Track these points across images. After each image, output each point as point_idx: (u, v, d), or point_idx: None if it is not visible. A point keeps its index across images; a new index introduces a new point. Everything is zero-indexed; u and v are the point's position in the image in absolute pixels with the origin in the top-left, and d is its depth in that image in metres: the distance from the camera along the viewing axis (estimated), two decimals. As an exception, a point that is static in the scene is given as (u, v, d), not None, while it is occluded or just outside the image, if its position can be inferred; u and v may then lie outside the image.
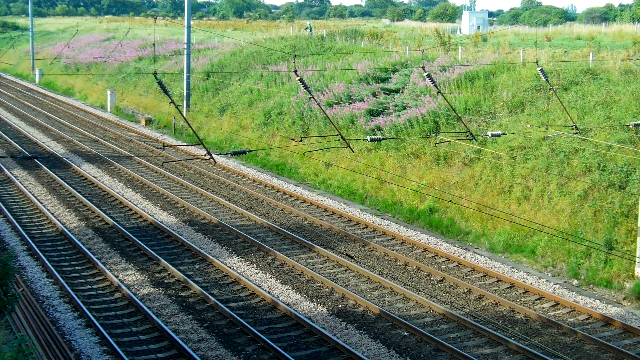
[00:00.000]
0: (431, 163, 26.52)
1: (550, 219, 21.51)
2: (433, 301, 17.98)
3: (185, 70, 43.29)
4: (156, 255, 20.87)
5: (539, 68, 18.89)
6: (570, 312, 17.78)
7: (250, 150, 16.09)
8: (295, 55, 33.46)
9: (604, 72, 26.90)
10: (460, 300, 18.33)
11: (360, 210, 26.11)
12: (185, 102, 42.63)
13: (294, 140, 19.99)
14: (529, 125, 25.04)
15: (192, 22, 46.72)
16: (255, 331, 15.98)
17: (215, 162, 15.48)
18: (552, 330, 16.63)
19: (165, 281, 19.31)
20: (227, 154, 14.28)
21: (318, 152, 29.55)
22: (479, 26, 62.56)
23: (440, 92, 19.22)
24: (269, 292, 18.58)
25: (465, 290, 18.93)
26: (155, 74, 13.61)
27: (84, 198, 27.08)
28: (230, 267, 20.27)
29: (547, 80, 19.19)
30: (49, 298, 17.98)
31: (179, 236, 22.77)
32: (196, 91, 44.17)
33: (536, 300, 18.45)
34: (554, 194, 22.04)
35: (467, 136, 18.48)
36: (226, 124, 38.53)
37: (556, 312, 17.77)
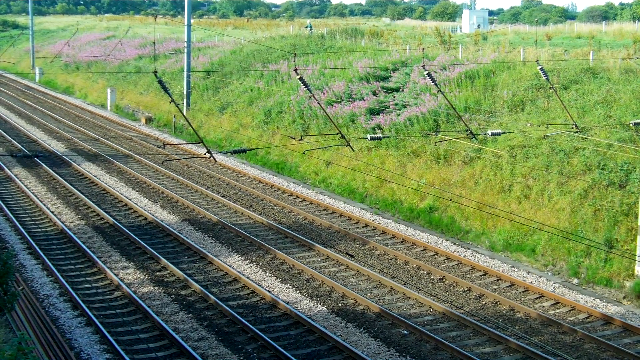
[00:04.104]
0: (431, 162, 26.51)
1: (550, 218, 21.51)
2: (433, 300, 17.98)
3: (185, 69, 43.28)
4: (156, 253, 20.87)
5: (539, 67, 18.86)
6: (570, 310, 17.78)
7: (251, 149, 16.07)
8: (295, 54, 33.57)
9: (604, 70, 26.88)
10: (460, 299, 18.33)
11: (360, 209, 26.11)
12: (185, 100, 42.62)
13: (294, 138, 19.98)
14: (529, 124, 25.03)
15: (192, 21, 46.70)
16: (255, 330, 15.98)
17: (216, 161, 15.47)
18: (552, 329, 16.63)
19: (165, 280, 19.31)
20: (227, 152, 14.28)
21: (318, 150, 29.53)
22: (479, 25, 62.55)
23: (440, 91, 19.20)
24: (268, 291, 18.58)
25: (465, 289, 18.94)
26: (155, 72, 13.59)
27: (84, 197, 27.08)
28: (230, 266, 20.27)
29: (547, 79, 19.16)
30: (49, 297, 17.98)
31: (179, 235, 22.77)
32: (196, 90, 44.16)
33: (536, 299, 18.45)
34: (554, 193, 22.03)
35: (467, 135, 18.47)
36: (226, 122, 38.52)
37: (556, 311, 17.77)
